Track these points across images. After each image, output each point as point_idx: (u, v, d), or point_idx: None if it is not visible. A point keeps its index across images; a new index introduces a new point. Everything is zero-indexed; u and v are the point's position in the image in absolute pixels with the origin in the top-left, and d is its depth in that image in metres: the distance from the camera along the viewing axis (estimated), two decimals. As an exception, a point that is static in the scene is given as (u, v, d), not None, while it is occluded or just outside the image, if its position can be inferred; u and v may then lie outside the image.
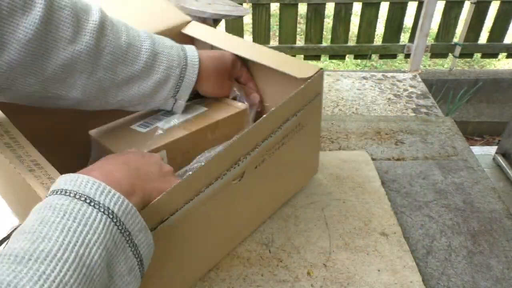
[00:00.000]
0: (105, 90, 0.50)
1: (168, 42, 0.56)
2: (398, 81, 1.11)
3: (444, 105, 2.03)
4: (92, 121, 0.57)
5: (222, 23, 2.27)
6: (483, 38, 2.42)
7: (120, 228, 0.34)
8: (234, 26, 2.27)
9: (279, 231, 0.63)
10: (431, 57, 2.49)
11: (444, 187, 0.72)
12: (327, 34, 2.58)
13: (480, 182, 0.74)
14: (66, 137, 0.57)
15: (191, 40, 0.71)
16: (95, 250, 0.32)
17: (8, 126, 0.48)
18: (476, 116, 2.29)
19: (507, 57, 2.51)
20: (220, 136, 0.50)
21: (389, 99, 1.03)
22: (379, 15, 2.28)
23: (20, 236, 0.31)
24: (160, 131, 0.55)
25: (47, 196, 0.35)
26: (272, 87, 0.64)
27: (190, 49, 0.57)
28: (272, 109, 0.50)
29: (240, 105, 0.61)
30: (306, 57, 2.42)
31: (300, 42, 2.63)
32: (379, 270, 0.58)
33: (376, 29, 2.34)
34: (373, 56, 2.44)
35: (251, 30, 2.31)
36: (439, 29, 2.34)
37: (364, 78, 1.12)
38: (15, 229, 0.60)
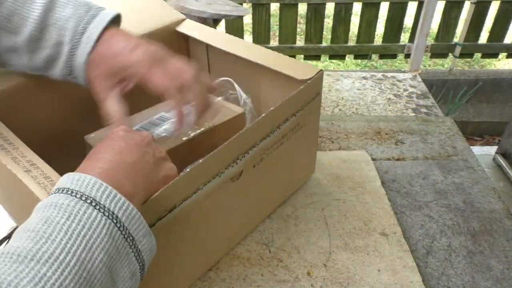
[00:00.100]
0: None
1: (70, 11, 0.48)
2: (398, 81, 1.11)
3: (444, 105, 2.03)
4: (87, 121, 0.56)
5: (222, 23, 2.27)
6: (483, 38, 2.42)
7: (123, 233, 0.34)
8: (234, 26, 2.27)
9: (279, 231, 0.63)
10: (431, 57, 2.49)
11: (444, 187, 0.72)
12: (327, 34, 2.58)
13: (480, 182, 0.74)
14: (61, 137, 0.56)
15: (185, 39, 0.71)
16: (96, 255, 0.32)
17: (1, 128, 0.48)
18: (476, 116, 2.29)
19: (507, 57, 2.50)
20: (217, 141, 0.50)
21: (389, 99, 1.03)
22: (379, 15, 2.28)
23: (23, 234, 0.31)
24: (156, 138, 0.53)
25: (51, 194, 0.35)
26: (272, 88, 0.64)
27: (99, 22, 0.48)
28: (271, 108, 0.50)
29: (237, 109, 0.60)
30: (306, 57, 2.42)
31: (300, 42, 2.63)
32: (379, 270, 0.58)
33: (376, 29, 2.34)
34: (373, 56, 2.44)
35: (251, 30, 2.31)
36: (439, 29, 2.34)
37: (364, 78, 1.12)
38: (15, 228, 0.60)
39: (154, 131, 0.54)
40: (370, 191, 0.70)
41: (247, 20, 2.50)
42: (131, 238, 0.35)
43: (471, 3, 2.15)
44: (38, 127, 0.56)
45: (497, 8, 2.29)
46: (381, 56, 2.47)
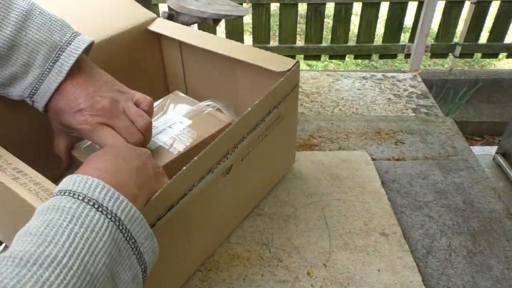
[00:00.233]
0: None
1: (44, 35, 0.47)
2: (398, 81, 1.11)
3: (444, 105, 2.03)
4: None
5: (222, 23, 2.27)
6: (483, 38, 2.42)
7: (126, 235, 0.34)
8: (234, 26, 2.27)
9: (279, 231, 0.63)
10: (431, 57, 2.49)
11: (444, 187, 0.72)
12: (327, 34, 2.58)
13: (480, 182, 0.74)
14: (43, 141, 0.55)
15: (158, 38, 0.71)
16: (99, 258, 0.31)
17: None
18: (476, 116, 2.29)
19: (507, 57, 2.50)
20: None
21: (389, 99, 1.03)
22: (379, 15, 2.28)
23: (25, 238, 0.31)
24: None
25: (52, 196, 0.35)
26: (248, 82, 0.65)
27: (72, 53, 0.47)
28: (256, 102, 0.51)
29: (225, 119, 0.60)
30: (306, 57, 2.42)
31: (300, 42, 2.63)
32: (379, 270, 0.58)
33: (376, 29, 2.34)
34: (373, 56, 2.44)
35: (251, 30, 2.31)
36: (439, 29, 2.34)
37: (364, 78, 1.12)
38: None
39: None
40: (370, 191, 0.70)
41: (247, 20, 2.50)
42: (133, 240, 0.35)
43: (471, 3, 2.15)
44: (19, 133, 0.55)
45: (497, 8, 2.29)
46: (381, 56, 2.47)
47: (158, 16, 0.71)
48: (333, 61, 2.84)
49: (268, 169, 0.66)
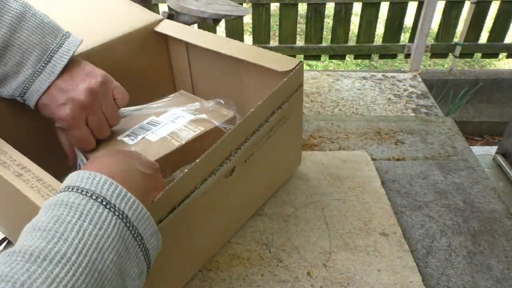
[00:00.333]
0: None
1: (37, 37, 0.49)
2: (398, 81, 1.11)
3: (444, 105, 2.03)
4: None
5: (222, 23, 2.27)
6: (483, 38, 2.42)
7: (133, 233, 0.34)
8: (234, 26, 2.27)
9: (279, 231, 0.63)
10: (431, 57, 2.49)
11: (444, 187, 0.72)
12: (327, 34, 2.58)
13: (480, 182, 0.74)
14: (48, 140, 0.56)
15: (165, 39, 0.71)
16: (107, 255, 0.32)
17: None
18: (476, 116, 2.29)
19: (507, 57, 2.50)
20: (209, 145, 0.50)
21: (389, 99, 1.03)
22: (379, 15, 2.28)
23: (34, 233, 0.31)
24: (148, 143, 0.53)
25: (60, 192, 0.35)
26: (253, 82, 0.65)
27: (63, 55, 0.50)
28: (259, 102, 0.51)
29: (228, 113, 0.60)
30: (306, 57, 2.42)
31: (300, 42, 2.63)
32: (379, 270, 0.58)
33: (376, 29, 2.34)
34: (373, 56, 2.44)
35: (251, 30, 2.31)
36: (439, 29, 2.34)
37: (364, 78, 1.12)
38: (1, 240, 0.59)
39: (145, 136, 0.54)
40: (370, 191, 0.70)
41: (247, 20, 2.50)
42: (140, 237, 0.35)
43: (471, 3, 2.15)
44: (24, 131, 0.55)
45: (497, 8, 2.29)
46: (381, 56, 2.47)
47: (158, 16, 0.72)
48: (333, 61, 2.84)
49: (272, 171, 0.66)
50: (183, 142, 0.54)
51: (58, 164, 0.47)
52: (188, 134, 0.55)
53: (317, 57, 2.46)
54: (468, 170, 0.76)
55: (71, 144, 0.54)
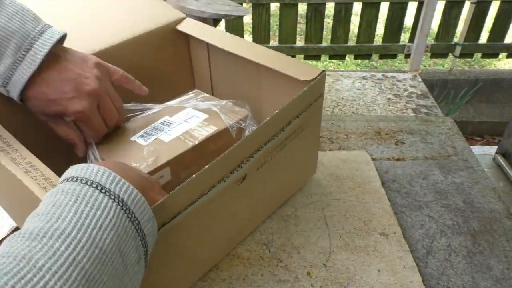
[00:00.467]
0: None
1: (17, 24, 0.46)
2: (398, 81, 1.11)
3: (444, 105, 2.03)
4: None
5: (222, 23, 2.27)
6: (483, 38, 2.42)
7: (130, 216, 0.34)
8: (234, 26, 2.27)
9: (279, 231, 0.63)
10: (431, 57, 2.49)
11: (444, 187, 0.72)
12: (327, 34, 2.58)
13: (480, 182, 0.74)
14: (43, 141, 0.55)
15: (186, 38, 0.70)
16: (107, 234, 0.32)
17: (0, 131, 0.48)
18: (476, 116, 2.29)
19: (507, 57, 2.50)
20: (222, 145, 0.49)
21: (389, 99, 1.03)
22: (379, 15, 2.28)
23: (33, 219, 0.32)
24: (162, 144, 0.53)
25: (57, 185, 0.36)
26: (273, 89, 0.64)
27: (46, 42, 0.47)
28: (276, 111, 0.50)
29: (242, 112, 0.59)
30: (306, 57, 2.42)
31: (300, 42, 2.63)
32: (379, 270, 0.58)
33: (376, 29, 2.34)
34: (373, 56, 2.44)
35: (251, 30, 2.31)
36: (439, 29, 2.34)
37: (364, 78, 1.12)
38: (16, 229, 0.60)
39: (158, 137, 0.54)
40: (370, 191, 0.70)
41: (247, 20, 2.50)
42: (137, 221, 0.35)
43: (471, 3, 2.15)
44: (34, 130, 0.55)
45: (497, 8, 2.29)
46: (381, 56, 2.47)
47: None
48: (333, 61, 2.84)
49: (286, 179, 0.64)
50: (196, 142, 0.53)
51: (56, 167, 0.48)
52: (201, 133, 0.55)
53: (317, 57, 2.46)
54: (468, 170, 0.76)
55: (75, 130, 0.52)
